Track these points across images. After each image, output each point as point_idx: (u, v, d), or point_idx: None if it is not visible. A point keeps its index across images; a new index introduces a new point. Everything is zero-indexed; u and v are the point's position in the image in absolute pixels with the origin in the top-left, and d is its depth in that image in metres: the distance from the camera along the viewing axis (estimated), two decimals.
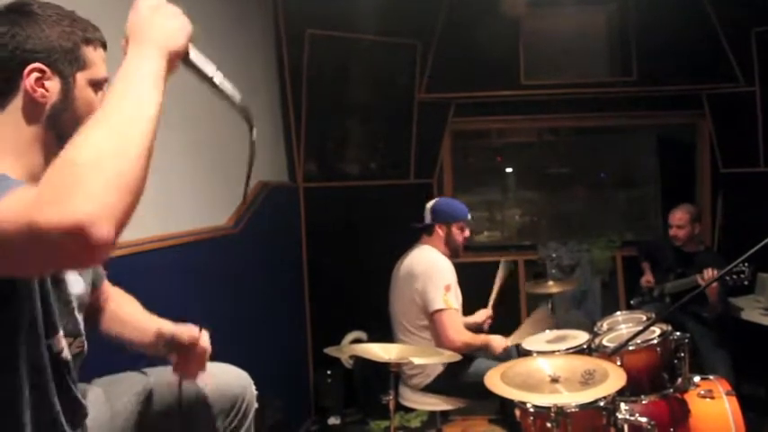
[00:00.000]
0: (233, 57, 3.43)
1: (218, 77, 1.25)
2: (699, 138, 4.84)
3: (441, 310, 3.07)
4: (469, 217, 3.39)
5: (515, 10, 4.39)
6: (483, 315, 3.51)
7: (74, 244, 0.84)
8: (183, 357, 1.57)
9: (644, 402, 2.57)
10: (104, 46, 1.29)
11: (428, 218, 3.34)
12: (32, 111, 1.19)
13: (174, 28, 1.14)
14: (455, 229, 3.31)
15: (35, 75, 1.17)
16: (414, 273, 3.20)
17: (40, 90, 1.18)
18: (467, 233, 3.37)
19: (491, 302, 3.55)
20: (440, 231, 3.30)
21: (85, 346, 1.39)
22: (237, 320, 3.14)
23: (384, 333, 3.37)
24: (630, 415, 2.40)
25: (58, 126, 1.21)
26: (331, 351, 2.70)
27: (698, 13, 4.37)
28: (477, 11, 4.39)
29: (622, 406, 2.45)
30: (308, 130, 4.27)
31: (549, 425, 2.21)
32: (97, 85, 1.26)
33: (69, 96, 1.21)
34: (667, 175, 5.23)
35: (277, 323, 3.82)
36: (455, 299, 3.15)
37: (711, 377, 2.89)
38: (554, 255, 4.86)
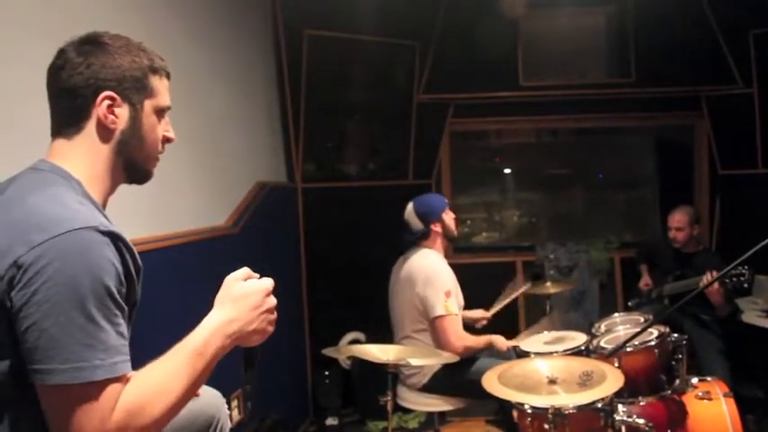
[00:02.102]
0: (232, 57, 3.43)
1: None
2: (697, 139, 4.85)
3: (441, 317, 3.07)
4: (446, 200, 3.44)
5: (514, 11, 4.40)
6: (479, 314, 3.51)
7: None
8: None
9: (642, 404, 2.57)
10: (168, 76, 1.38)
11: (418, 224, 3.31)
12: (103, 136, 1.29)
13: (257, 337, 1.34)
14: (445, 219, 3.33)
15: (107, 102, 1.27)
16: (414, 277, 3.20)
17: (111, 116, 1.28)
18: (453, 214, 3.41)
19: (493, 309, 3.56)
20: (436, 229, 3.31)
21: None
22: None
23: (382, 334, 3.37)
24: (628, 416, 2.40)
25: (126, 151, 1.32)
26: (329, 352, 2.70)
27: (696, 15, 4.37)
28: (475, 12, 4.39)
29: (620, 407, 2.45)
30: (307, 131, 4.27)
31: (546, 426, 2.21)
32: (161, 112, 1.36)
33: (137, 123, 1.31)
34: (666, 176, 5.24)
35: (275, 324, 3.81)
36: (456, 304, 3.15)
37: (709, 378, 2.90)
38: (552, 256, 4.87)
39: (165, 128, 1.39)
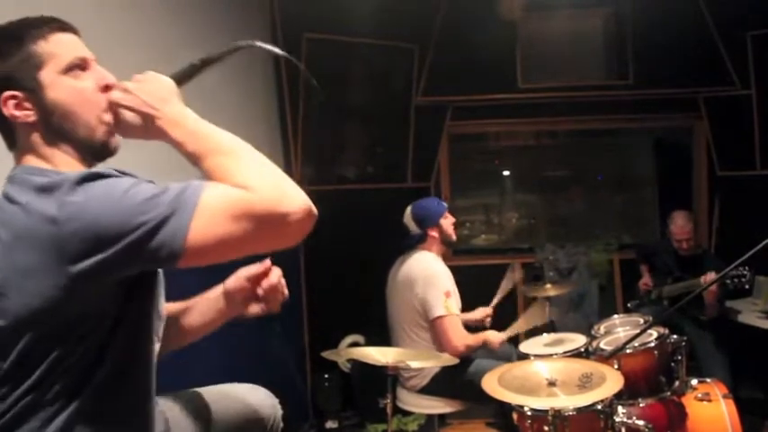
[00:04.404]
0: (231, 60, 3.43)
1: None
2: (695, 141, 4.85)
3: (442, 317, 3.07)
4: (445, 204, 3.41)
5: (512, 14, 4.40)
6: (482, 313, 3.51)
7: (309, 222, 1.17)
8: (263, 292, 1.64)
9: (641, 405, 2.57)
10: (62, 28, 1.26)
11: (416, 229, 3.32)
12: (32, 132, 1.22)
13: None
14: (443, 224, 3.32)
15: (11, 102, 1.20)
16: (413, 279, 3.20)
17: (22, 112, 1.21)
18: (452, 219, 3.39)
19: (494, 302, 3.55)
20: (434, 234, 3.31)
21: None
22: (235, 324, 3.13)
23: (381, 337, 3.36)
24: (628, 418, 2.41)
25: (58, 131, 1.23)
26: (329, 355, 2.69)
27: (694, 17, 4.38)
28: (474, 14, 4.39)
29: (620, 409, 2.46)
30: (306, 134, 4.27)
31: (546, 428, 2.22)
32: (71, 68, 1.24)
33: (44, 100, 1.21)
34: (664, 177, 5.24)
35: (274, 326, 3.81)
36: (455, 304, 3.15)
37: (709, 380, 2.90)
38: (551, 257, 4.86)
39: (96, 78, 1.27)
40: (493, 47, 4.45)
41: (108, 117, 1.26)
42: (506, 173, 5.64)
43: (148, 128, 1.24)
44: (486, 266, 4.76)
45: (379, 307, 3.41)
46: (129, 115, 1.25)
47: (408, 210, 3.37)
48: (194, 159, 1.20)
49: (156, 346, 1.33)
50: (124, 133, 1.29)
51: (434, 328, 3.11)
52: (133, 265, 1.10)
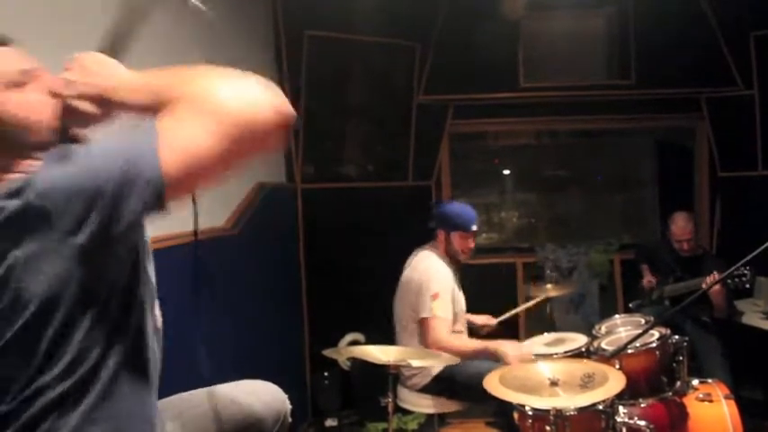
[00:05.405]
0: (232, 58, 3.41)
1: None
2: (697, 141, 4.84)
3: (426, 318, 3.12)
4: (474, 228, 3.32)
5: (514, 13, 4.39)
6: (484, 320, 3.51)
7: (285, 125, 1.14)
8: None
9: (642, 406, 2.57)
10: None
11: (432, 222, 3.35)
12: None
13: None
14: (455, 237, 3.30)
15: None
16: (411, 278, 3.26)
17: None
18: (470, 243, 3.33)
19: (502, 318, 3.55)
20: (441, 237, 3.32)
21: None
22: (236, 321, 3.13)
23: (381, 335, 3.36)
24: (629, 418, 2.41)
25: (11, 147, 1.19)
26: (329, 353, 2.69)
27: (697, 17, 4.37)
28: (476, 13, 4.37)
29: (621, 409, 2.45)
30: (307, 132, 4.26)
31: (548, 428, 2.21)
32: (12, 84, 1.19)
33: None
34: (665, 178, 5.24)
35: (274, 324, 3.81)
36: (445, 306, 3.14)
37: (710, 381, 2.90)
38: (552, 257, 4.86)
39: (41, 88, 1.22)
40: (495, 46, 4.44)
41: (65, 118, 1.23)
42: (507, 172, 5.63)
43: (106, 108, 1.21)
44: (486, 266, 4.76)
45: (380, 305, 3.42)
46: (82, 104, 1.21)
47: (443, 203, 3.42)
48: (162, 110, 1.12)
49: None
50: (86, 124, 1.25)
51: (420, 327, 3.15)
52: (127, 216, 1.06)
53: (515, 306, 4.48)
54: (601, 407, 2.29)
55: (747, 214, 4.41)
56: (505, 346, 2.92)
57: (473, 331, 3.45)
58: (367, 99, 4.48)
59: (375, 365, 2.52)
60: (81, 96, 1.21)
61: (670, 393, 2.63)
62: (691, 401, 2.70)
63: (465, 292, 3.40)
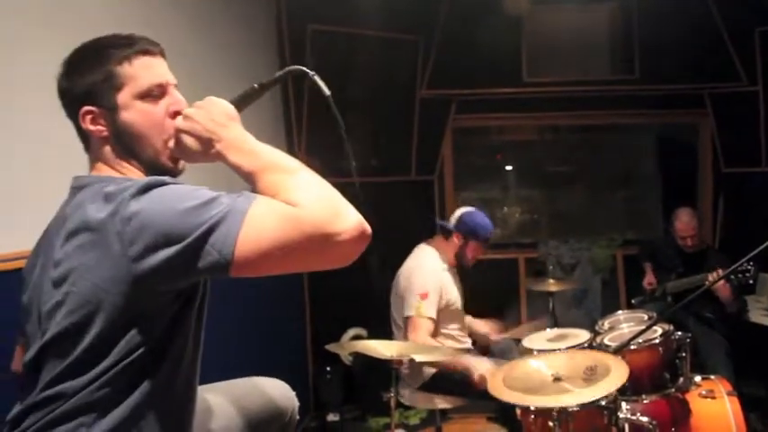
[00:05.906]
0: (236, 52, 3.42)
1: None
2: (701, 137, 4.83)
3: (409, 317, 3.13)
4: (489, 238, 3.38)
5: (518, 7, 4.37)
6: (487, 328, 3.51)
7: (361, 244, 1.22)
8: None
9: (645, 402, 2.56)
10: (147, 52, 1.31)
11: (453, 222, 3.34)
12: (104, 145, 1.30)
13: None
14: (471, 246, 3.32)
15: (88, 117, 1.28)
16: (403, 273, 3.28)
17: (97, 127, 1.29)
18: (481, 253, 3.39)
19: (506, 335, 3.54)
20: (456, 240, 3.32)
21: None
22: (238, 317, 3.13)
23: (384, 330, 3.37)
24: (632, 414, 2.40)
25: (128, 149, 1.30)
26: (331, 348, 2.70)
27: (701, 12, 4.35)
28: (479, 7, 4.35)
29: (623, 405, 2.44)
30: (310, 126, 4.26)
31: (550, 424, 2.21)
32: (147, 94, 1.29)
33: (117, 121, 1.28)
34: (669, 173, 5.23)
35: (277, 319, 3.80)
36: (431, 307, 3.14)
37: (713, 377, 2.89)
38: (554, 253, 4.85)
39: (168, 104, 1.32)
40: (498, 41, 4.42)
41: (172, 142, 1.31)
42: (510, 167, 5.62)
43: (207, 152, 1.28)
44: (488, 261, 4.74)
45: (382, 300, 3.42)
46: (189, 140, 1.29)
47: (469, 209, 3.39)
48: (251, 179, 1.23)
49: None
50: (185, 157, 1.34)
51: (405, 326, 3.16)
52: (189, 268, 1.13)
53: (517, 303, 4.49)
54: (603, 403, 2.28)
55: (751, 210, 4.40)
56: (473, 363, 3.07)
57: (473, 337, 3.46)
58: (370, 93, 4.46)
59: (377, 360, 2.52)
60: (191, 133, 1.28)
61: (673, 390, 2.62)
62: (693, 398, 2.69)
63: (467, 288, 3.40)
